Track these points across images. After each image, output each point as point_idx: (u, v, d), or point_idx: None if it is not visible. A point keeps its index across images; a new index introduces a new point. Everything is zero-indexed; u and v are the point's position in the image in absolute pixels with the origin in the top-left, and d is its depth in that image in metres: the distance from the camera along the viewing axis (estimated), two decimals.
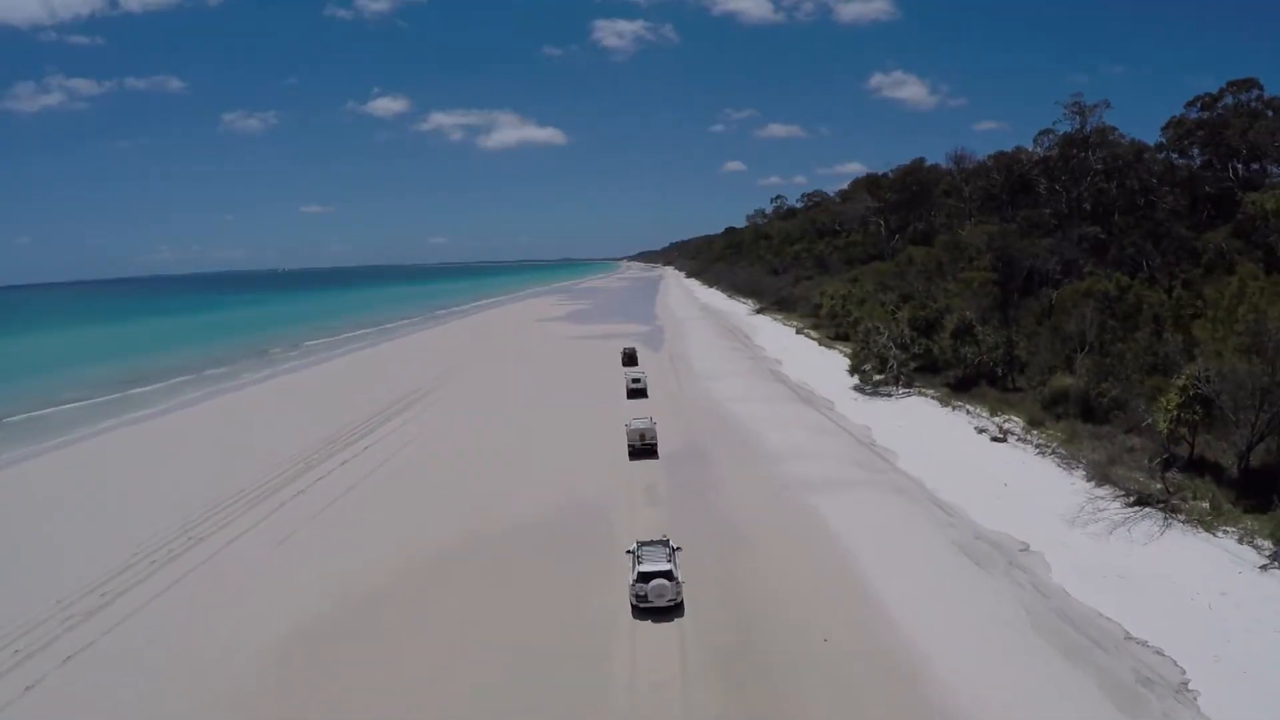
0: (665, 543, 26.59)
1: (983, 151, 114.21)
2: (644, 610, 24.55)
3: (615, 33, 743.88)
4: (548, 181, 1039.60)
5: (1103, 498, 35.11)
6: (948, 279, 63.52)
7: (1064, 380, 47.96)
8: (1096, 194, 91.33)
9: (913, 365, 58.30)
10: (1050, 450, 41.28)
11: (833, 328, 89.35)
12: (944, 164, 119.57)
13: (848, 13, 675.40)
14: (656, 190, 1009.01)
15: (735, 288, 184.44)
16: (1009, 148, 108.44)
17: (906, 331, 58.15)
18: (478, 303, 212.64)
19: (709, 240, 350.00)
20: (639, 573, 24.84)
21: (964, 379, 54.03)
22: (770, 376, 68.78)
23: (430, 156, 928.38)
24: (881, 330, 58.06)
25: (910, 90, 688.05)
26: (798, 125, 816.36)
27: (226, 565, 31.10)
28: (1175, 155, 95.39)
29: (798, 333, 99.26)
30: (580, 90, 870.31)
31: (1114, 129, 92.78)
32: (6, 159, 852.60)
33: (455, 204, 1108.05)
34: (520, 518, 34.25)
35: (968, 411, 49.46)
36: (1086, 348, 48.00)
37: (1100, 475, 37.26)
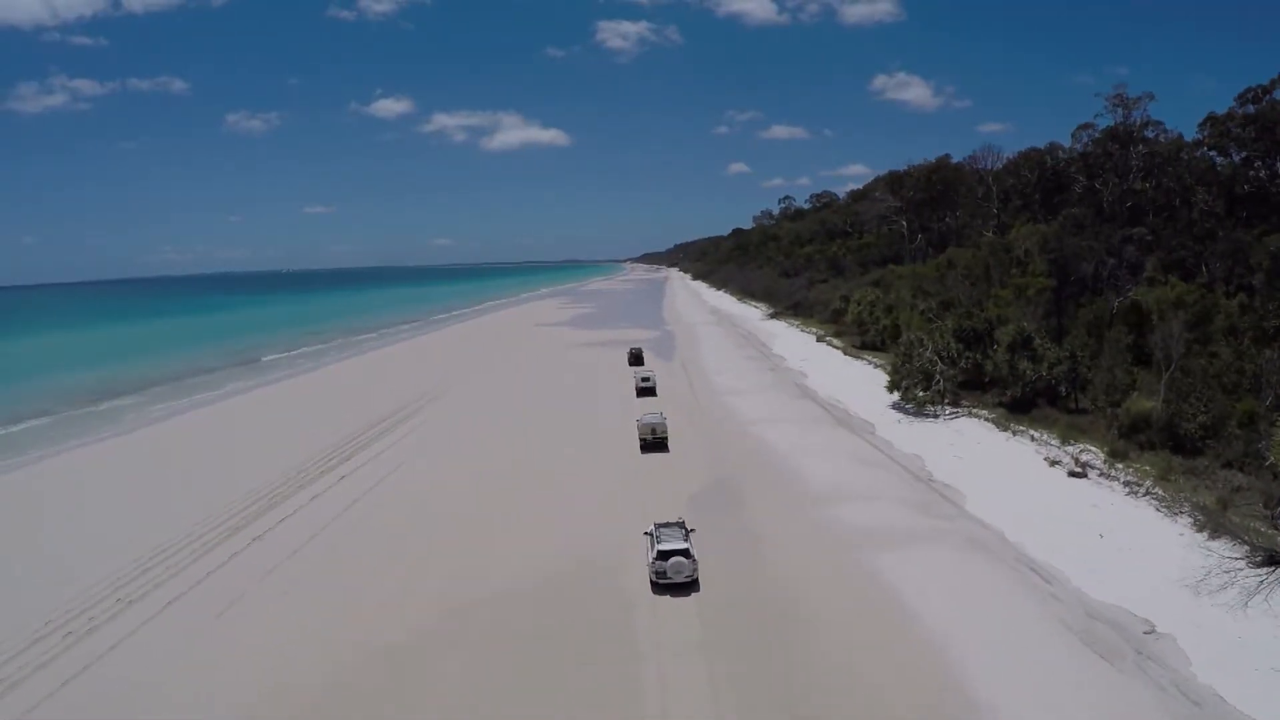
0: (681, 524, 28.45)
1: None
2: (663, 586, 26.37)
3: (619, 34, 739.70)
4: (551, 183, 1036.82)
5: (1222, 554, 28.93)
6: (994, 284, 57.32)
7: (1143, 403, 41.79)
8: (1133, 193, 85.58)
9: (957, 381, 52.19)
10: (1143, 490, 35.06)
11: (858, 335, 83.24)
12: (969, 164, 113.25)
13: (852, 14, 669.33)
14: (660, 192, 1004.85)
15: (746, 291, 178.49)
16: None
17: (953, 344, 51.91)
18: (479, 306, 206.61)
19: (715, 242, 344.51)
20: (658, 551, 26.59)
21: (1021, 399, 47.80)
22: (796, 391, 62.52)
23: (433, 157, 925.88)
24: (925, 342, 51.81)
25: (914, 92, 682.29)
26: (801, 127, 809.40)
27: (154, 642, 25.02)
28: (1213, 153, 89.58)
29: (818, 340, 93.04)
30: (583, 91, 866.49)
31: (1160, 123, 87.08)
32: (10, 159, 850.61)
33: (458, 205, 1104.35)
34: (514, 581, 27.91)
35: (1032, 438, 43.18)
36: (1171, 365, 41.75)
37: (1213, 524, 31.10)
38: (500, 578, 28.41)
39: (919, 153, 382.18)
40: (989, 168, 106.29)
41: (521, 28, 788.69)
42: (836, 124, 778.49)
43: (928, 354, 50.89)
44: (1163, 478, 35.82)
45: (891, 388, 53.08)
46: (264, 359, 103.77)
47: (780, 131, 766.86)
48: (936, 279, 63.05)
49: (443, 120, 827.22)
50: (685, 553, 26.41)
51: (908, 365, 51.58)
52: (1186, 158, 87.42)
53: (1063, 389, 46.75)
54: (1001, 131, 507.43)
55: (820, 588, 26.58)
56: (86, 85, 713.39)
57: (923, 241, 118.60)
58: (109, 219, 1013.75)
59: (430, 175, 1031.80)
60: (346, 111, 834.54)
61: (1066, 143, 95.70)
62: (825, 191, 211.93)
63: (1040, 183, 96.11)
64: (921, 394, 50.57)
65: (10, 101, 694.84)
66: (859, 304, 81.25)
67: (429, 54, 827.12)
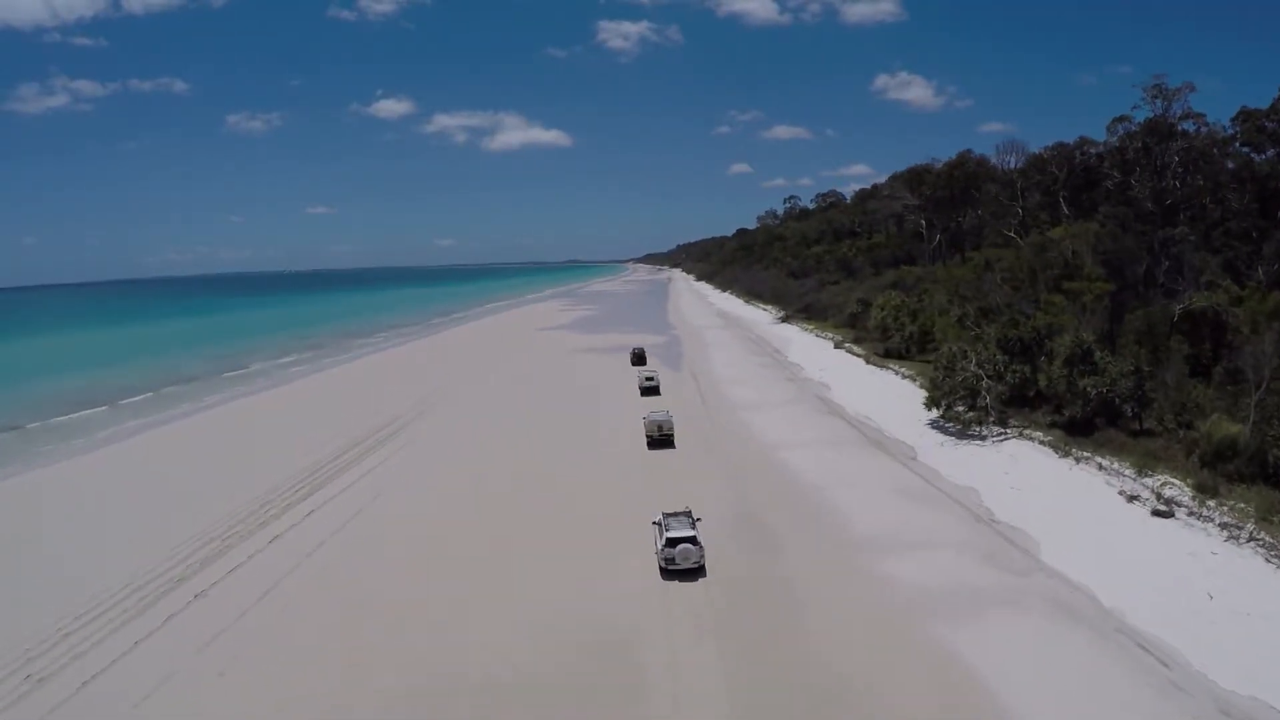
0: (688, 513, 29.37)
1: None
2: (671, 572, 27.39)
3: (620, 34, 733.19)
4: (552, 183, 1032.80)
5: None
6: (1040, 289, 52.02)
7: (1227, 426, 36.49)
8: (1167, 191, 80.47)
9: (1004, 398, 46.93)
10: (1245, 534, 29.77)
11: (880, 342, 77.91)
12: (993, 160, 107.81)
13: (854, 14, 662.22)
14: (662, 192, 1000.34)
15: (752, 292, 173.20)
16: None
17: (998, 355, 46.63)
18: (481, 307, 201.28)
19: (719, 242, 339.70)
20: (667, 539, 27.61)
21: (1080, 419, 42.50)
22: (821, 407, 57.12)
23: (435, 158, 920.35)
24: (969, 354, 46.50)
25: (916, 91, 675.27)
26: (803, 127, 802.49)
27: None
28: (1247, 149, 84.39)
29: (836, 347, 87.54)
30: (585, 92, 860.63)
31: (1201, 115, 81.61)
32: (11, 160, 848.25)
33: (460, 206, 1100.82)
34: (500, 667, 22.63)
35: (1100, 466, 37.81)
36: (1262, 383, 36.49)
37: None
38: (477, 659, 23.18)
39: (921, 153, 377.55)
40: (1014, 165, 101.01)
41: (522, 28, 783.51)
42: (838, 124, 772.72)
43: (972, 367, 45.59)
44: (1265, 519, 30.55)
45: (930, 404, 47.76)
46: (252, 365, 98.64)
47: (782, 131, 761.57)
48: (973, 282, 57.66)
49: (444, 121, 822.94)
50: (692, 540, 27.55)
51: (949, 379, 46.26)
52: (1219, 154, 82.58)
53: (1128, 408, 41.42)
54: (1003, 131, 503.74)
55: (879, 667, 21.30)
56: (87, 86, 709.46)
57: (941, 241, 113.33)
58: (110, 220, 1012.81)
59: (432, 176, 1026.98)
60: (347, 112, 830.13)
61: (1097, 137, 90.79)
62: (831, 191, 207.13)
63: (1069, 179, 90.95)
64: (965, 412, 45.28)
65: (11, 102, 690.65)
66: (883, 308, 75.91)
67: (430, 54, 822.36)
